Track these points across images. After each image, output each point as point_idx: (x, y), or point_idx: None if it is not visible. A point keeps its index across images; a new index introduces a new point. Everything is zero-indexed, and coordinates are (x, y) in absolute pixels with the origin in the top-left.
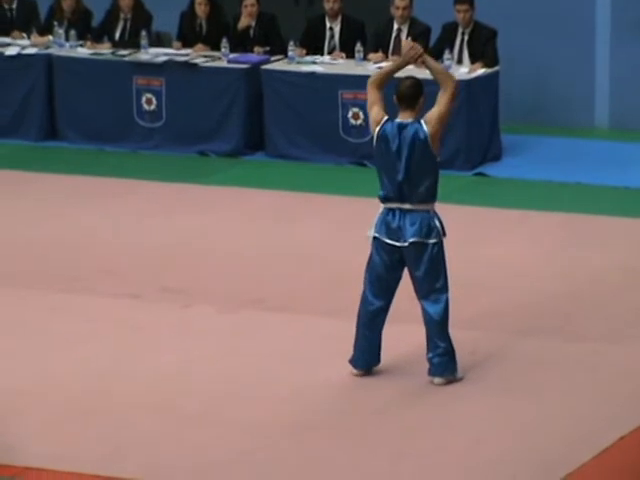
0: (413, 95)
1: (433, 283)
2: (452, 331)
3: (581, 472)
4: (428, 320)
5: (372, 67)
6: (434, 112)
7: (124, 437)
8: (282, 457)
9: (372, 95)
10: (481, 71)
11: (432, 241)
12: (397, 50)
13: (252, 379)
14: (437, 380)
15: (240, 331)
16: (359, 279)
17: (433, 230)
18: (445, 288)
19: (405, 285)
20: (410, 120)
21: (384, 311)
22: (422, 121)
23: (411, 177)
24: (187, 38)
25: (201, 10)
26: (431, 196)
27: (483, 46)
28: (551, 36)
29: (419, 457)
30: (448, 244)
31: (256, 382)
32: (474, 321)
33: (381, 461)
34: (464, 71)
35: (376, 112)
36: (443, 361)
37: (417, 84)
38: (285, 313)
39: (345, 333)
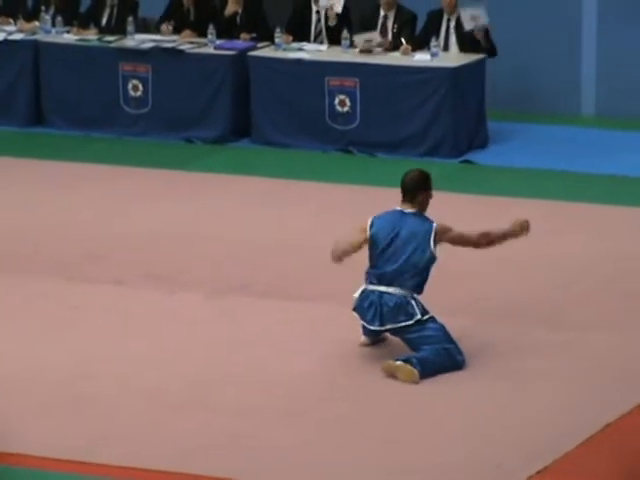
0: (414, 189)
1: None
2: (439, 318)
3: (567, 460)
4: None
5: (359, 54)
6: (449, 234)
7: (110, 423)
8: (270, 442)
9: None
10: (475, 57)
11: (408, 323)
12: (383, 36)
13: (239, 365)
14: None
15: (226, 317)
16: (344, 265)
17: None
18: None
19: None
20: (411, 210)
21: None
22: (434, 226)
23: (403, 267)
24: (175, 23)
25: None
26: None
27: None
28: (538, 23)
29: (406, 444)
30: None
31: (243, 368)
32: (460, 309)
33: (369, 447)
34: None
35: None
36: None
37: (419, 179)
38: (271, 299)
39: (331, 318)
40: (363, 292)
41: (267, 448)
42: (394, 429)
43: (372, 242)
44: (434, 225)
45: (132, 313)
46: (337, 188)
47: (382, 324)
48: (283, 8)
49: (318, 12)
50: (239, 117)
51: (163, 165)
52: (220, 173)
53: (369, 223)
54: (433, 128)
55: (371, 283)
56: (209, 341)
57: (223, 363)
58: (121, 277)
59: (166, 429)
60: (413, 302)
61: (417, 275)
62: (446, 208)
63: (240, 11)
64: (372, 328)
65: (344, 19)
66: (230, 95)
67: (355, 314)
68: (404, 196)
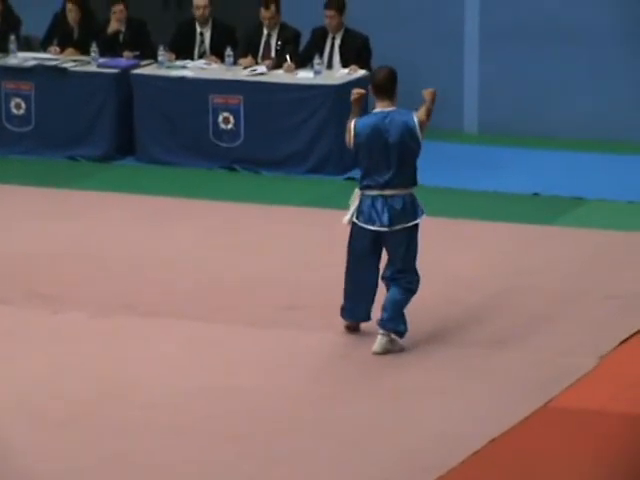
0: (390, 85)
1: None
2: (329, 334)
3: (452, 475)
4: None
5: (242, 72)
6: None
7: None
8: (155, 460)
9: None
10: (360, 73)
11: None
12: (267, 54)
13: (124, 383)
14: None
15: (111, 336)
16: (230, 283)
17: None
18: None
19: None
20: (392, 108)
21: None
22: (413, 113)
23: (401, 162)
24: (59, 41)
25: (71, 17)
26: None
27: (357, 53)
28: (420, 40)
29: (290, 461)
30: (315, 249)
31: (128, 386)
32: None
33: (253, 463)
34: (343, 72)
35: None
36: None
37: (392, 74)
38: (157, 318)
39: (216, 337)
40: (365, 199)
41: (152, 466)
42: (277, 445)
43: (362, 149)
44: (414, 114)
45: (14, 332)
46: (222, 206)
47: (392, 224)
48: (166, 26)
49: (202, 33)
50: (123, 135)
51: (47, 183)
52: (105, 191)
53: (352, 131)
54: (317, 145)
55: (372, 188)
56: (94, 360)
57: (108, 382)
58: (3, 296)
59: (50, 448)
60: (416, 199)
61: (412, 167)
62: (332, 226)
63: (123, 29)
64: (381, 229)
65: (229, 37)
66: (114, 113)
67: (358, 222)
68: (382, 95)
